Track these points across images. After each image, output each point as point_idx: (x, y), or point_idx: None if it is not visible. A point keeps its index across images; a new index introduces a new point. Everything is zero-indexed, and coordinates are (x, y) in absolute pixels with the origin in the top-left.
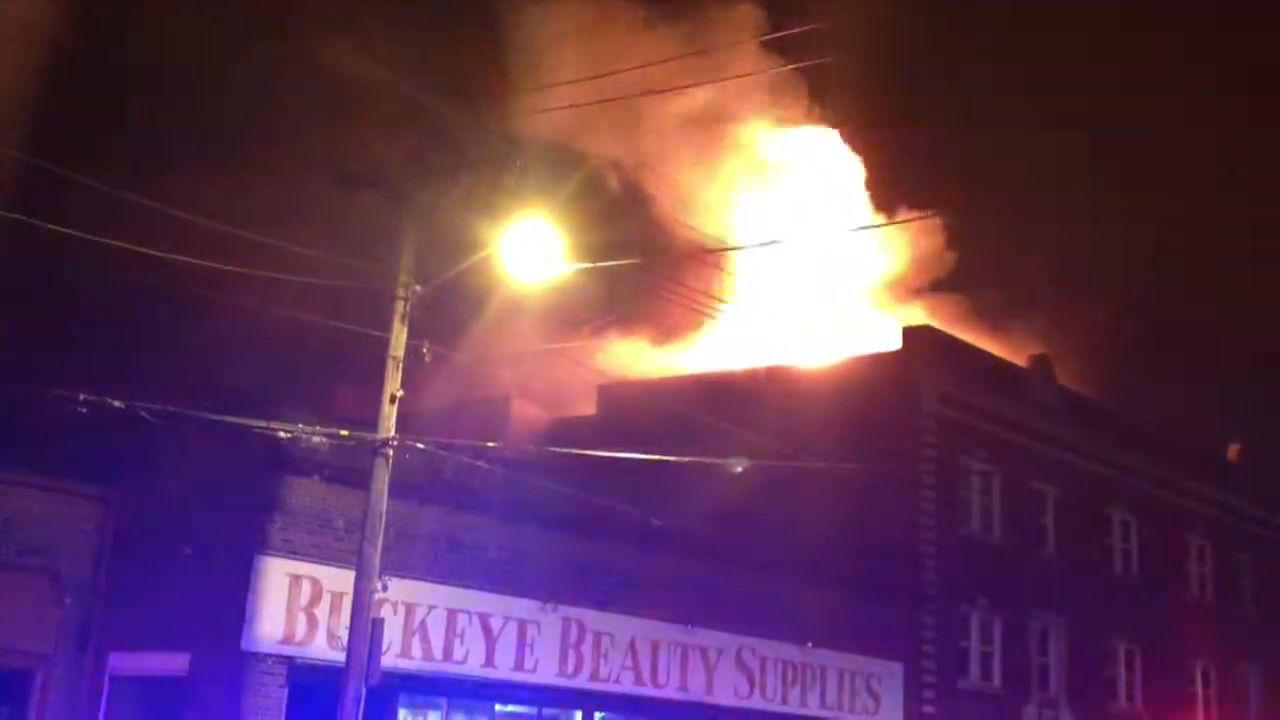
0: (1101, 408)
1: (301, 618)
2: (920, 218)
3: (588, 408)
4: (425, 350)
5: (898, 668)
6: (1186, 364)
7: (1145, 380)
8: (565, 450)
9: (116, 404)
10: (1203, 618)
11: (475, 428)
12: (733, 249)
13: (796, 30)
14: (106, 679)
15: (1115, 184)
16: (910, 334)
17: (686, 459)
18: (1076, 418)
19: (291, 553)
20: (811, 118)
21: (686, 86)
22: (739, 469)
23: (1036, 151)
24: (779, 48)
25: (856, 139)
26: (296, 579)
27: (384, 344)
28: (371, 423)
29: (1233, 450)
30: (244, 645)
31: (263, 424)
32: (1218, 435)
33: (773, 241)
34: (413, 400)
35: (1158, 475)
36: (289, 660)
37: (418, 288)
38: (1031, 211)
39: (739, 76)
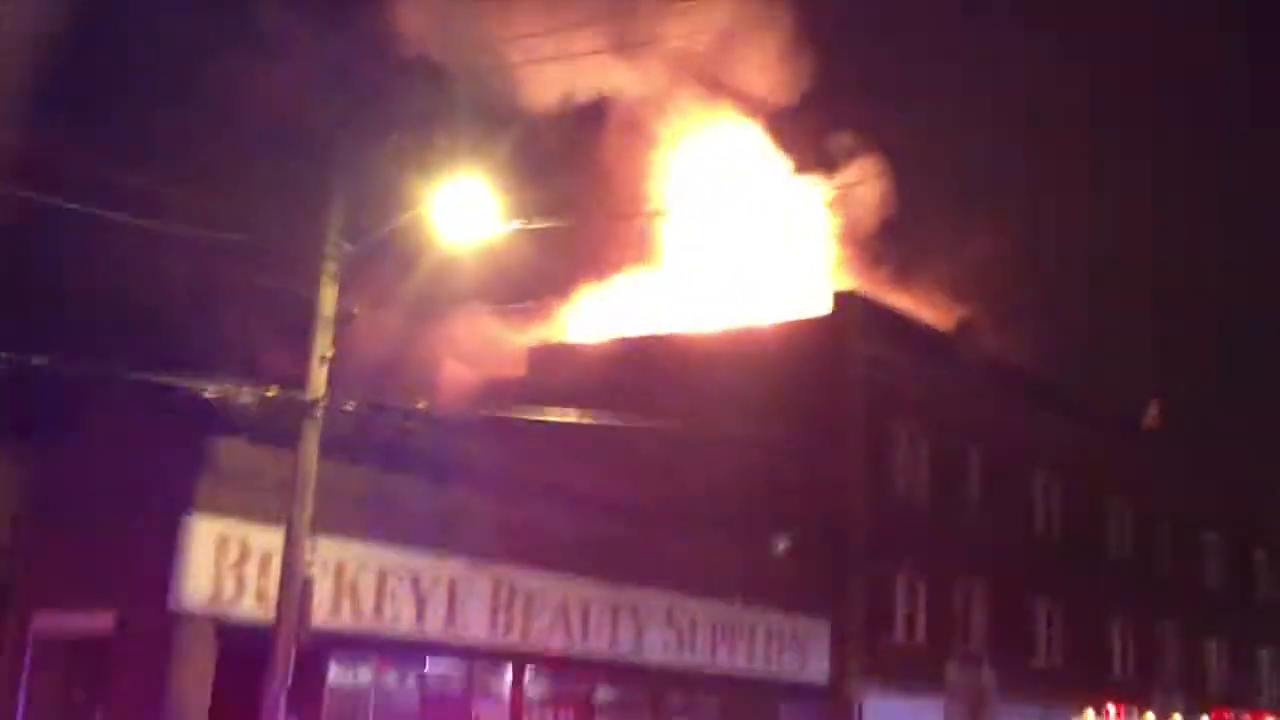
0: (1025, 371)
1: (230, 577)
2: (847, 186)
3: (518, 369)
4: (355, 310)
5: (824, 625)
6: (1109, 328)
7: (1068, 342)
8: (494, 412)
9: (37, 361)
10: (1121, 577)
11: (406, 388)
12: (658, 213)
13: None
14: (30, 640)
15: (1051, 152)
16: (840, 298)
17: (617, 423)
18: (1001, 381)
19: (219, 512)
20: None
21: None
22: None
23: (972, 124)
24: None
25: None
26: (225, 538)
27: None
28: (301, 382)
29: (1151, 414)
30: (171, 605)
31: (190, 383)
32: (1137, 400)
33: (702, 203)
34: (342, 360)
35: (1079, 437)
36: (217, 620)
37: (347, 246)
38: (965, 180)
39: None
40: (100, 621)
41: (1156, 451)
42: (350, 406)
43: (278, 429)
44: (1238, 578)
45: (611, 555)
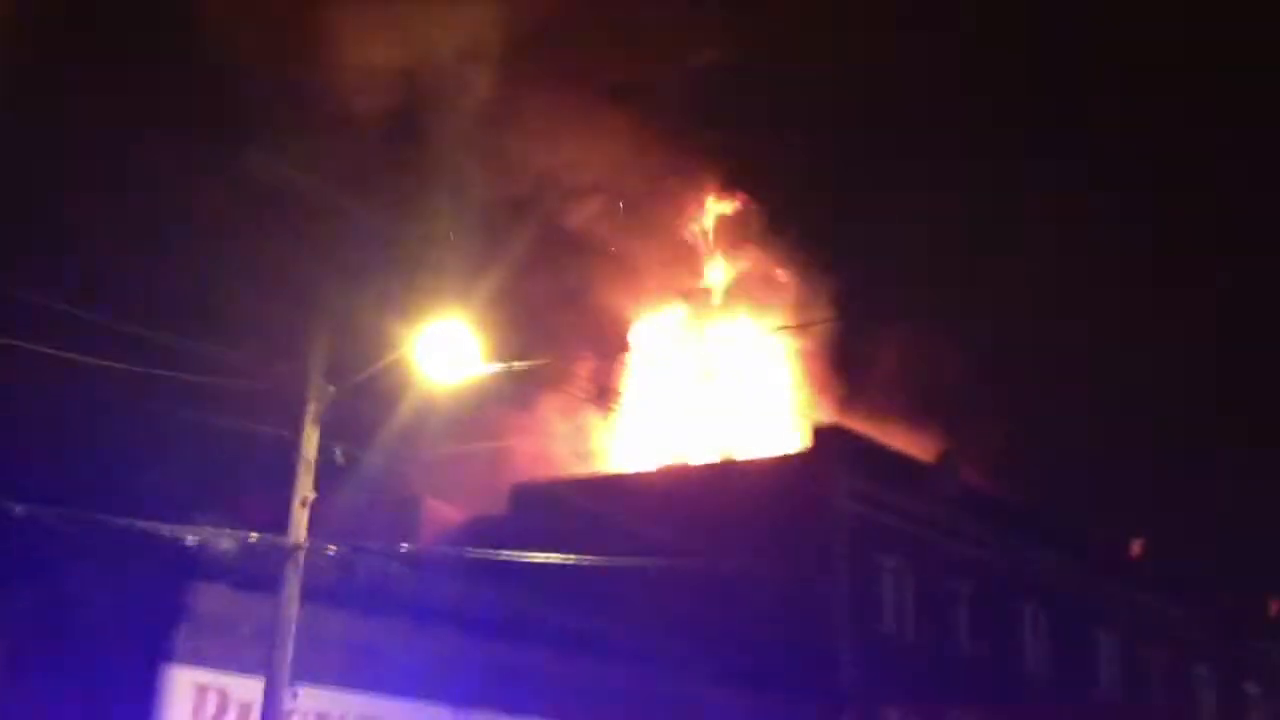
0: (1008, 503)
1: None
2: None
3: (501, 507)
4: (338, 453)
5: None
6: (1089, 460)
7: (1049, 475)
8: (479, 552)
9: (15, 509)
10: (1113, 714)
11: (387, 529)
12: (634, 350)
13: None
14: None
15: (1010, 279)
16: (820, 433)
17: (601, 562)
18: (984, 514)
19: (198, 661)
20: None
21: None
22: None
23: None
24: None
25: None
26: (203, 689)
27: (294, 446)
28: (281, 526)
29: (1136, 545)
30: None
31: (171, 529)
32: (1121, 530)
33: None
34: (323, 503)
35: (1065, 570)
36: None
37: (330, 389)
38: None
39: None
40: None
41: (1142, 584)
42: (333, 550)
43: (257, 574)
44: (1231, 711)
45: (600, 698)
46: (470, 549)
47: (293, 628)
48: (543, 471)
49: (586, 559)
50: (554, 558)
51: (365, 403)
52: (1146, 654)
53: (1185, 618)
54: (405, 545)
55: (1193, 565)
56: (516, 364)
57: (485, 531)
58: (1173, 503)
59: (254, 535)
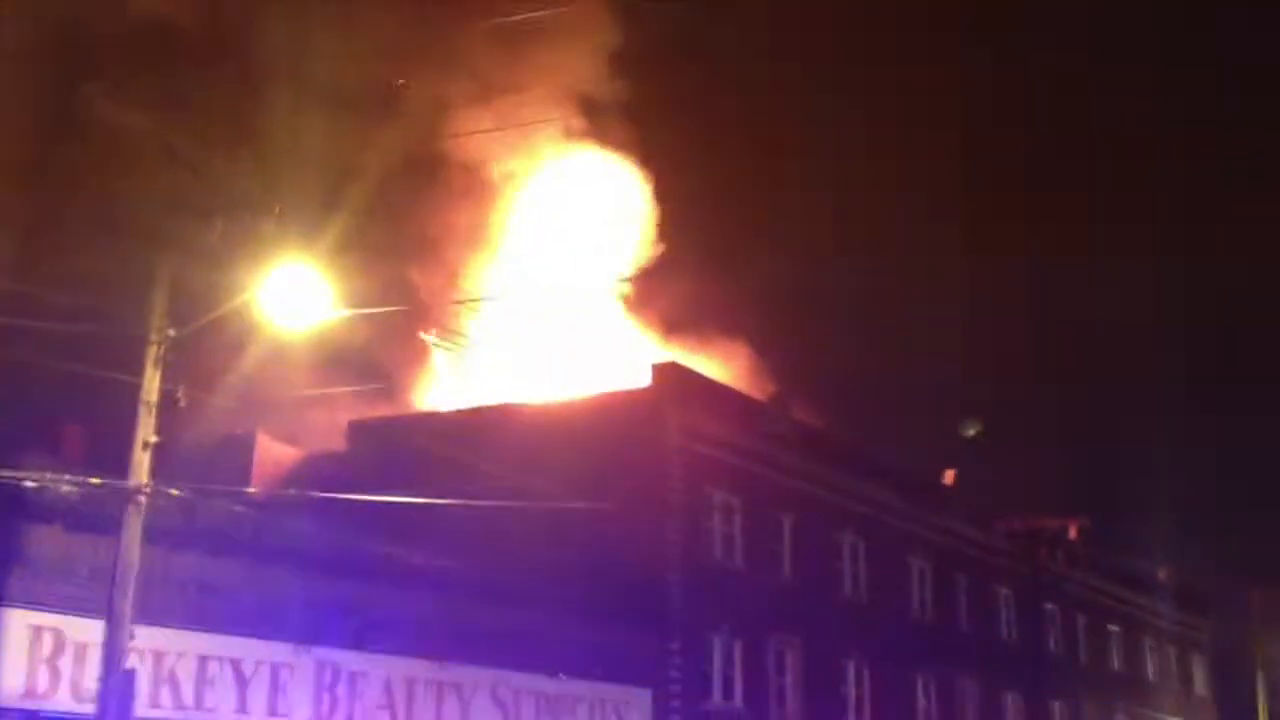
0: (833, 439)
1: (44, 670)
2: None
3: (337, 443)
4: (180, 395)
5: (646, 694)
6: (906, 396)
7: (870, 411)
8: (324, 495)
9: None
10: (924, 634)
11: (219, 467)
12: (475, 301)
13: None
14: None
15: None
16: (659, 371)
17: (443, 501)
18: (811, 450)
19: (33, 603)
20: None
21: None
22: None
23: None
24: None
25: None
26: (38, 630)
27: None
28: (115, 466)
29: (948, 476)
30: None
31: (8, 474)
32: (932, 463)
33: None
34: (166, 446)
35: (883, 502)
36: (31, 715)
37: (172, 332)
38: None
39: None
40: None
41: (952, 513)
42: (175, 492)
43: (94, 516)
44: (1029, 631)
45: (435, 632)
46: (314, 492)
47: (134, 570)
48: (382, 410)
49: (426, 500)
50: (395, 499)
51: (212, 347)
52: (954, 577)
53: (990, 543)
54: (251, 489)
55: (997, 494)
56: (362, 309)
57: (322, 469)
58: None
59: (96, 480)
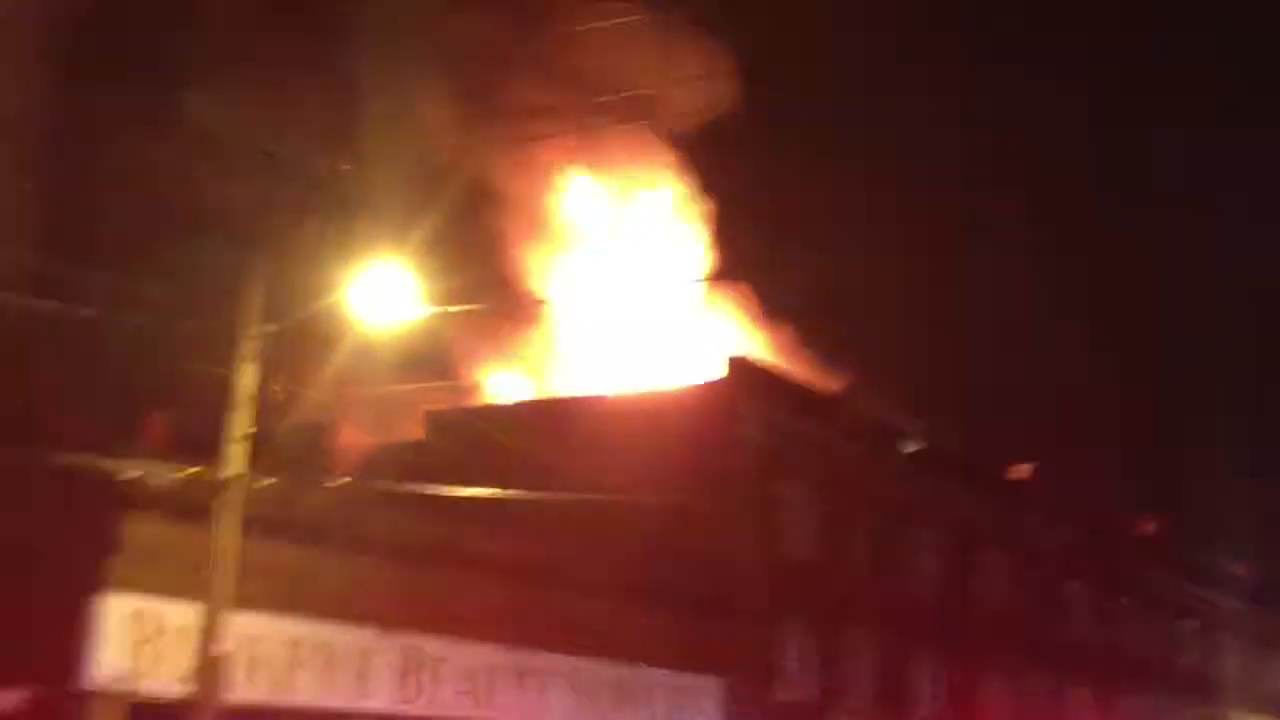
0: (906, 433)
1: (144, 653)
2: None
3: (415, 433)
4: (278, 390)
5: (719, 683)
6: (986, 389)
7: (948, 406)
8: (412, 487)
9: None
10: (998, 629)
11: (305, 457)
12: (563, 299)
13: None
14: None
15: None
16: (734, 363)
17: (519, 494)
18: (883, 443)
19: (134, 588)
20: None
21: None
22: None
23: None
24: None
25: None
26: (139, 614)
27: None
28: (200, 454)
29: (1024, 470)
30: (84, 682)
31: (112, 463)
32: (1011, 457)
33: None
34: (261, 437)
35: (956, 496)
36: (130, 696)
37: (268, 327)
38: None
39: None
40: (7, 700)
41: (1029, 507)
42: (268, 482)
43: (192, 503)
44: (1103, 627)
45: (516, 620)
46: (397, 484)
47: (230, 558)
48: (460, 400)
49: (504, 492)
50: (479, 491)
51: (305, 341)
52: (1028, 573)
53: (1065, 539)
54: (343, 479)
55: (1074, 490)
56: (452, 308)
57: (400, 459)
58: (1058, 434)
59: (191, 469)
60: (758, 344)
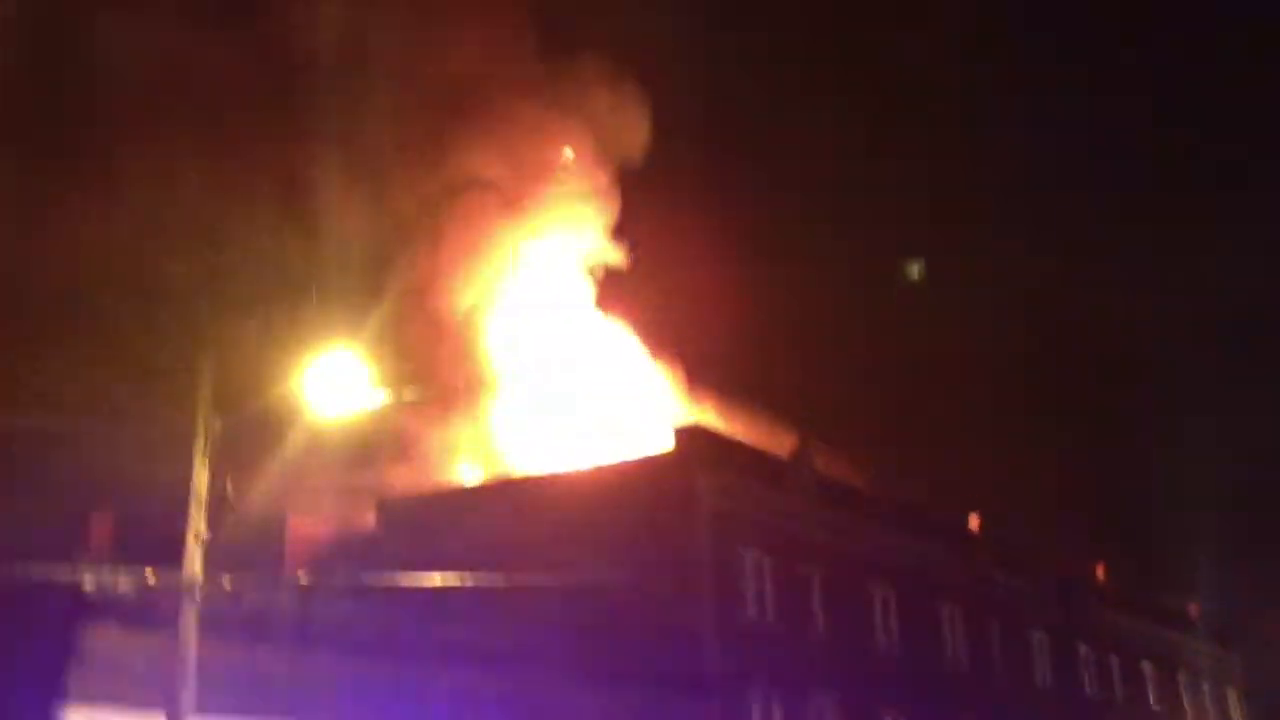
0: (857, 490)
1: None
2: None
3: (366, 521)
4: (229, 488)
5: None
6: (929, 441)
7: (892, 460)
8: (372, 578)
9: None
10: (960, 682)
11: (251, 547)
12: (504, 382)
13: None
14: None
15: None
16: (681, 434)
17: (476, 579)
18: (835, 501)
19: (92, 700)
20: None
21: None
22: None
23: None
24: None
25: None
26: None
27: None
28: (145, 556)
29: (973, 521)
30: None
31: (69, 575)
32: (960, 507)
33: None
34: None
35: (912, 550)
36: None
37: (218, 423)
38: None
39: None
40: None
41: (981, 558)
42: (227, 584)
43: (147, 611)
44: (1064, 674)
45: (474, 707)
46: (361, 574)
47: (192, 662)
48: (409, 483)
49: (458, 578)
50: (433, 578)
51: (252, 434)
52: (987, 624)
53: (1020, 588)
54: (303, 576)
55: (1023, 537)
56: (405, 393)
57: (352, 548)
58: (1004, 482)
59: (151, 576)
60: (702, 409)
